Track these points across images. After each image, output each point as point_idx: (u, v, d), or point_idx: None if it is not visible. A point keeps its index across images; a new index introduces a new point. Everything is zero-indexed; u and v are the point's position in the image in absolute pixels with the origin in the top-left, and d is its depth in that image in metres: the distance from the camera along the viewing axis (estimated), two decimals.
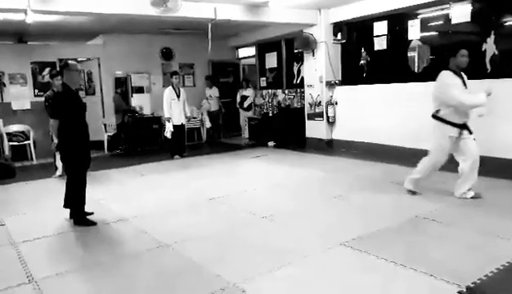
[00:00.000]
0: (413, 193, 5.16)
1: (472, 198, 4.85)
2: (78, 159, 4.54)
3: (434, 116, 4.90)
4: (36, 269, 3.46)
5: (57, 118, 4.46)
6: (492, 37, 6.36)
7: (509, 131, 5.96)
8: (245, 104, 11.40)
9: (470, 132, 4.83)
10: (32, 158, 9.13)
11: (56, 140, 4.62)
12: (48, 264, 3.63)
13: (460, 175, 4.88)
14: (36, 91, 9.77)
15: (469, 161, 4.77)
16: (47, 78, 9.73)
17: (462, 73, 4.89)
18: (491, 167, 5.87)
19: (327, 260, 3.45)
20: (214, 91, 11.23)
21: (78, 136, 4.51)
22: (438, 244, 3.65)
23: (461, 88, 4.73)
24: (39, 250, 3.98)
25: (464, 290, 2.80)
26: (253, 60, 12.18)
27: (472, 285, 2.85)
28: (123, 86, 10.84)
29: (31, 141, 9.16)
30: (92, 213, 4.76)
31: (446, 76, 4.81)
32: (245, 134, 11.55)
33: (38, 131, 9.11)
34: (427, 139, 6.86)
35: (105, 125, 10.22)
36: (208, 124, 11.07)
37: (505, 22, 6.35)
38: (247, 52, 12.49)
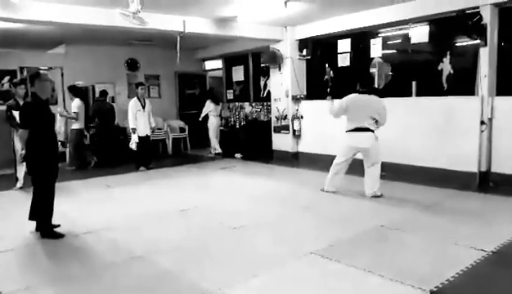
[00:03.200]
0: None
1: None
2: (46, 170, 4.44)
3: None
4: (3, 283, 3.35)
5: (27, 128, 4.35)
6: (448, 57, 6.80)
7: (465, 146, 6.35)
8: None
9: None
10: None
11: (23, 151, 4.47)
12: (17, 277, 3.53)
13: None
14: None
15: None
16: (6, 86, 9.43)
17: None
18: (446, 178, 6.28)
19: (300, 268, 3.56)
20: (76, 103, 8.99)
21: (47, 147, 4.42)
22: (403, 251, 3.85)
23: None
24: (6, 263, 3.85)
25: None
26: (219, 73, 12.30)
27: (435, 289, 3.05)
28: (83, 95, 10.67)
29: None
30: (58, 225, 4.65)
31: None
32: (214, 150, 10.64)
33: None
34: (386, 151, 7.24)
35: None
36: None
37: (459, 43, 6.81)
38: (214, 65, 12.60)
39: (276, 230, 4.60)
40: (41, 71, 4.58)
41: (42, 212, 4.45)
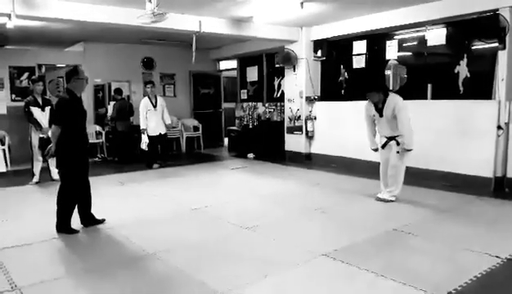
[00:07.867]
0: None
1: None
2: (77, 166, 4.51)
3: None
4: (19, 277, 3.41)
5: (61, 125, 4.36)
6: (465, 60, 6.71)
7: (481, 151, 6.27)
8: None
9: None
10: (7, 164, 8.91)
11: (52, 147, 4.45)
12: (32, 271, 3.58)
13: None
14: (13, 95, 9.60)
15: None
16: (25, 83, 9.61)
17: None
18: (460, 183, 6.20)
19: (311, 270, 3.55)
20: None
21: (80, 143, 4.49)
22: (416, 256, 3.82)
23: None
24: (22, 257, 3.92)
25: None
26: (233, 73, 12.34)
27: None
28: (98, 93, 10.81)
29: (6, 147, 8.95)
30: (103, 220, 4.87)
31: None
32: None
33: (13, 136, 8.94)
34: None
35: None
36: None
37: (477, 46, 6.71)
38: (228, 65, 12.65)
39: (287, 231, 4.59)
40: (78, 67, 4.59)
41: (63, 207, 4.49)
